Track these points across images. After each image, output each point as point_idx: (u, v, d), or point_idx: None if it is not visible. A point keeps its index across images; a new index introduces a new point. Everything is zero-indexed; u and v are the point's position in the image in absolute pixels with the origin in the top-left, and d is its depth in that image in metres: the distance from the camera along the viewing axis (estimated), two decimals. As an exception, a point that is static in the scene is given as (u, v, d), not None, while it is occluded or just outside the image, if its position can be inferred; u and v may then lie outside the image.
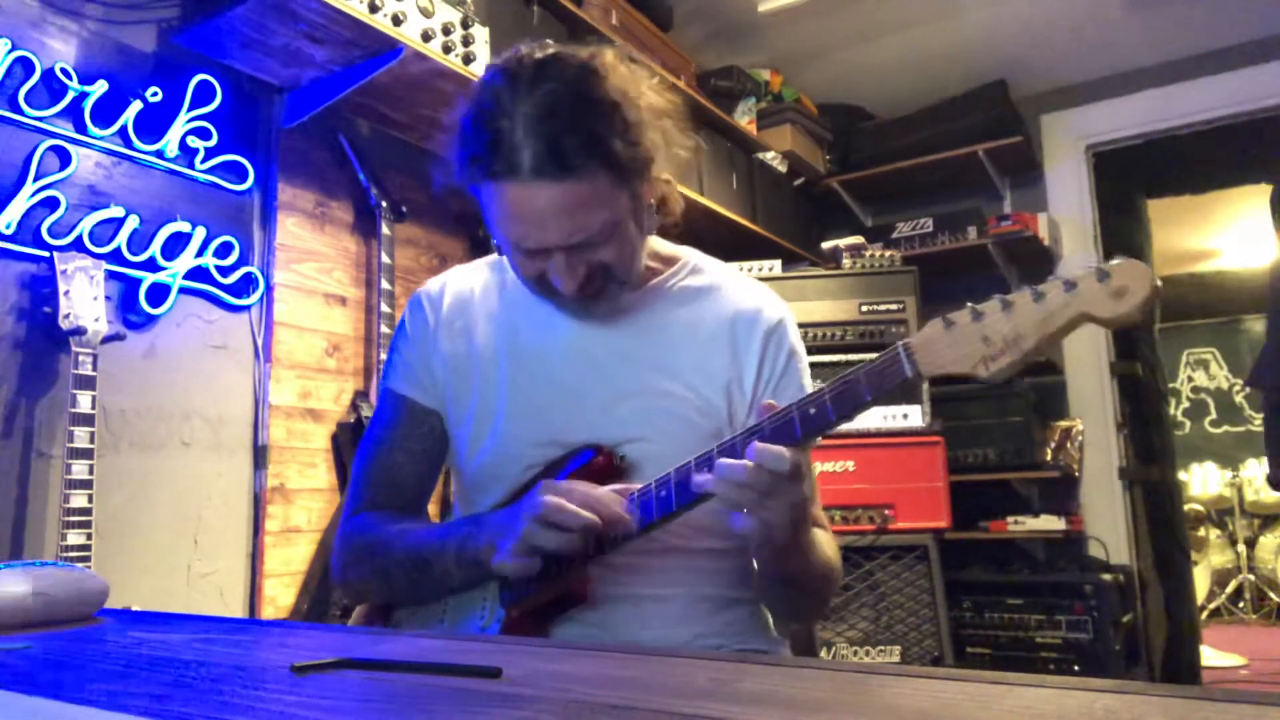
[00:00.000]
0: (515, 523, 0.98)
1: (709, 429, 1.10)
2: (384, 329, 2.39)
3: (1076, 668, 2.98)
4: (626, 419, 1.09)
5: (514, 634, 1.01)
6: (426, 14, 2.20)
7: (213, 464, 2.13)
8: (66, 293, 1.75)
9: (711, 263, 1.24)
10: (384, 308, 2.39)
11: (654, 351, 1.13)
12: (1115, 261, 0.80)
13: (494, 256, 1.26)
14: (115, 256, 1.95)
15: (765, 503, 0.90)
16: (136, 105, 2.01)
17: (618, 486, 1.01)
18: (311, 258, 2.39)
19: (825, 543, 1.11)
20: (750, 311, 1.17)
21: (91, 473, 1.69)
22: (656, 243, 1.20)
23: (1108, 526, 3.55)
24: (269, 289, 2.28)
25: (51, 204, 1.86)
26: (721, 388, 1.12)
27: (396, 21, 2.12)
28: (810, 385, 1.17)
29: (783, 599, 1.13)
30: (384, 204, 2.44)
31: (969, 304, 0.87)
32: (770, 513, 0.91)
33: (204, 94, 2.15)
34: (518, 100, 0.96)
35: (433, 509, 1.30)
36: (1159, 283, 0.80)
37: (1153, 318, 4.26)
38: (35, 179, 1.83)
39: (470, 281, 1.23)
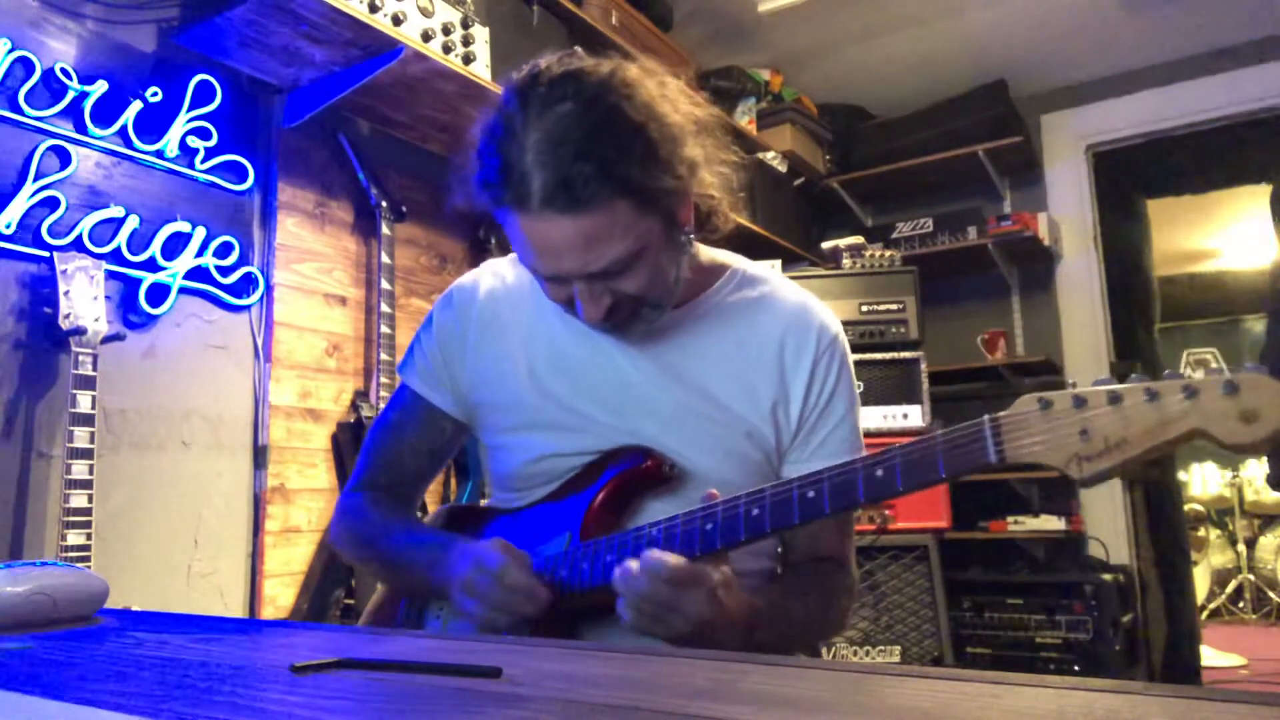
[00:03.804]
0: (454, 583, 0.98)
1: (756, 457, 1.06)
2: (384, 329, 2.39)
3: (1076, 668, 2.98)
4: (671, 444, 1.04)
5: (540, 634, 0.99)
6: (426, 14, 2.20)
7: (213, 464, 2.13)
8: (66, 293, 1.75)
9: (760, 272, 1.16)
10: (384, 308, 2.39)
11: (698, 373, 1.07)
12: (1246, 373, 0.70)
13: None
14: (115, 256, 1.95)
15: (661, 615, 0.87)
16: (136, 105, 2.01)
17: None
18: (311, 258, 2.39)
19: (811, 598, 1.04)
20: (800, 330, 1.10)
21: (91, 473, 1.69)
22: (700, 250, 1.13)
23: (1108, 526, 3.55)
24: (269, 289, 2.28)
25: (51, 204, 1.86)
26: (767, 414, 1.07)
27: (396, 21, 2.12)
28: (855, 414, 1.12)
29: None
30: (384, 204, 2.44)
31: (1072, 385, 0.77)
32: (660, 627, 0.88)
33: (204, 94, 2.15)
34: (529, 124, 0.91)
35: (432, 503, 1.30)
36: None
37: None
38: (35, 179, 1.83)
39: (507, 281, 1.17)
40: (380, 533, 1.14)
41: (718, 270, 1.14)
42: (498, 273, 1.19)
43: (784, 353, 1.09)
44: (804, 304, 1.14)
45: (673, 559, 0.88)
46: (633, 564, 0.89)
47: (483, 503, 1.24)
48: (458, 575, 0.98)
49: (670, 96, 0.97)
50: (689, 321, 1.09)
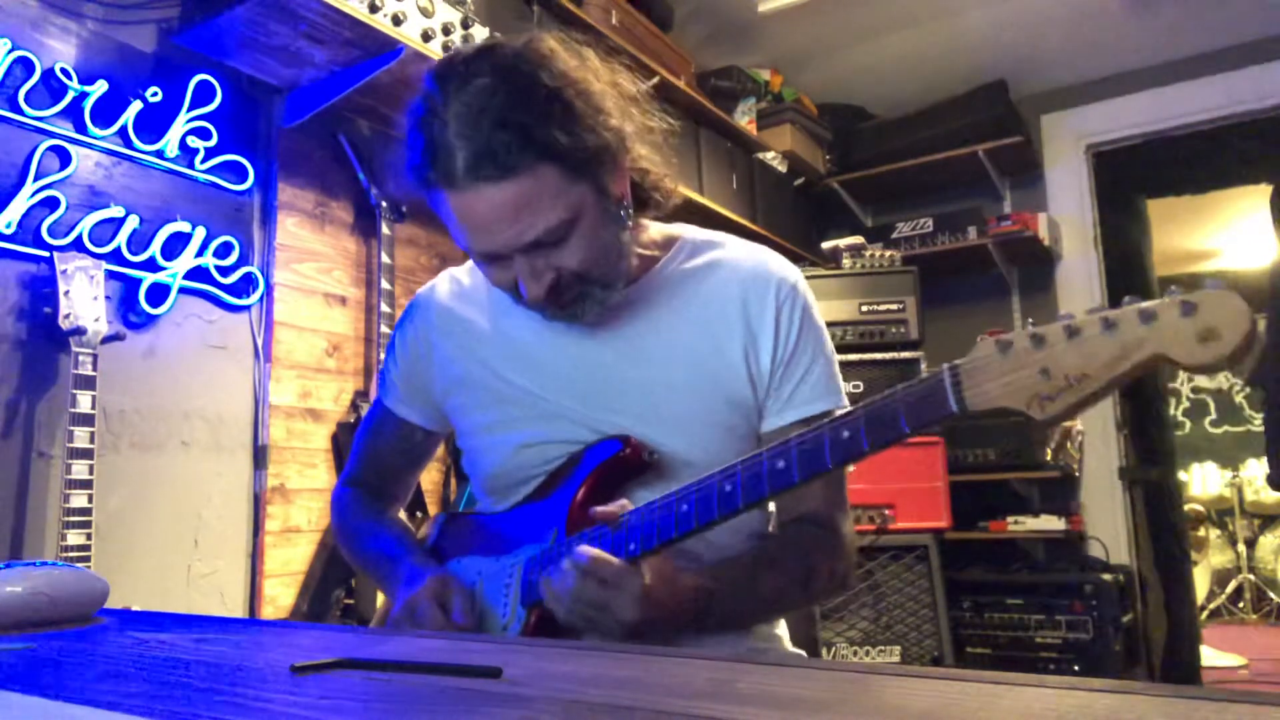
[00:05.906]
0: (402, 601, 1.05)
1: (736, 421, 1.05)
2: (384, 329, 2.39)
3: (1076, 668, 2.98)
4: (646, 427, 1.03)
5: (531, 635, 0.99)
6: (426, 14, 2.20)
7: (213, 464, 2.13)
8: (66, 293, 1.75)
9: (710, 238, 1.15)
10: (384, 308, 2.39)
11: (665, 345, 1.06)
12: (1205, 291, 0.68)
13: None
14: (115, 256, 1.95)
15: (591, 614, 0.90)
16: (136, 105, 2.01)
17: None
18: (311, 258, 2.39)
19: (788, 564, 1.04)
20: (759, 285, 1.08)
21: (91, 473, 1.69)
22: (649, 226, 1.13)
23: (1108, 526, 3.55)
24: (269, 289, 2.28)
25: (51, 204, 1.86)
26: (740, 367, 1.06)
27: (396, 21, 2.12)
28: (826, 358, 1.10)
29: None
30: (384, 204, 2.44)
31: (1029, 324, 0.74)
32: (589, 626, 0.91)
33: (204, 94, 2.15)
34: (448, 101, 0.92)
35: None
36: (1258, 324, 0.66)
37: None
38: (35, 179, 1.83)
39: (464, 284, 1.18)
40: (365, 533, 1.22)
41: (669, 243, 1.13)
42: (455, 277, 1.20)
43: (747, 308, 1.07)
44: (759, 259, 1.12)
45: (597, 552, 0.90)
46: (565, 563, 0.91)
47: (475, 507, 1.23)
48: (394, 612, 1.05)
49: (591, 66, 0.98)
50: (646, 296, 1.08)
